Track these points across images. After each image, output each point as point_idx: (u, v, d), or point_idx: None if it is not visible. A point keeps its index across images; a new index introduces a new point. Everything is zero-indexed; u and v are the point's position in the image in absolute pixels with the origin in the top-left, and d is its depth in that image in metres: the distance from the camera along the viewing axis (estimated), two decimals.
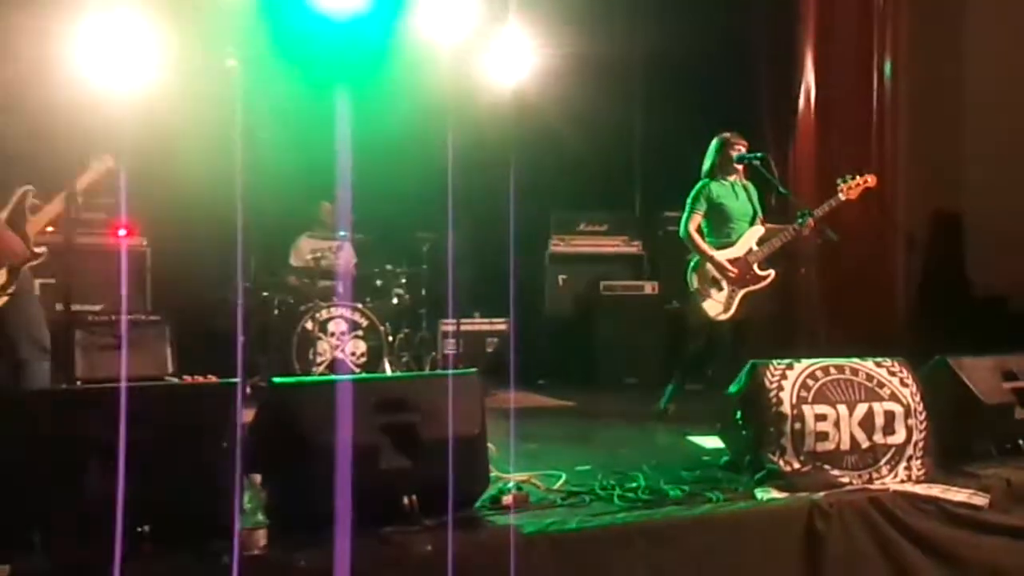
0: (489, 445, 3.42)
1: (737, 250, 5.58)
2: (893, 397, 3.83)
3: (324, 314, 6.46)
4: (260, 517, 3.04)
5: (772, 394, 3.70)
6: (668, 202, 7.39)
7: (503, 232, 5.69)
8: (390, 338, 6.77)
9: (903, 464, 3.77)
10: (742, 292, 5.53)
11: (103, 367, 6.14)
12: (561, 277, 8.08)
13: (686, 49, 7.71)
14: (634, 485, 3.57)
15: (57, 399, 3.12)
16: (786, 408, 3.67)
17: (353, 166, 5.44)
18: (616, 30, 7.97)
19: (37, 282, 4.60)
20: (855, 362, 3.90)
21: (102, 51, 5.71)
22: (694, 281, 5.61)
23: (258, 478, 3.14)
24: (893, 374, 3.90)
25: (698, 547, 3.22)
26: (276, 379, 3.25)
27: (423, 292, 7.27)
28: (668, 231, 7.56)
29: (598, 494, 3.48)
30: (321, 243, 6.94)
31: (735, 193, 5.66)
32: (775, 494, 3.49)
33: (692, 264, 5.66)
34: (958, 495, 3.63)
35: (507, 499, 3.31)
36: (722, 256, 5.55)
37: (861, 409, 3.75)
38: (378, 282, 7.07)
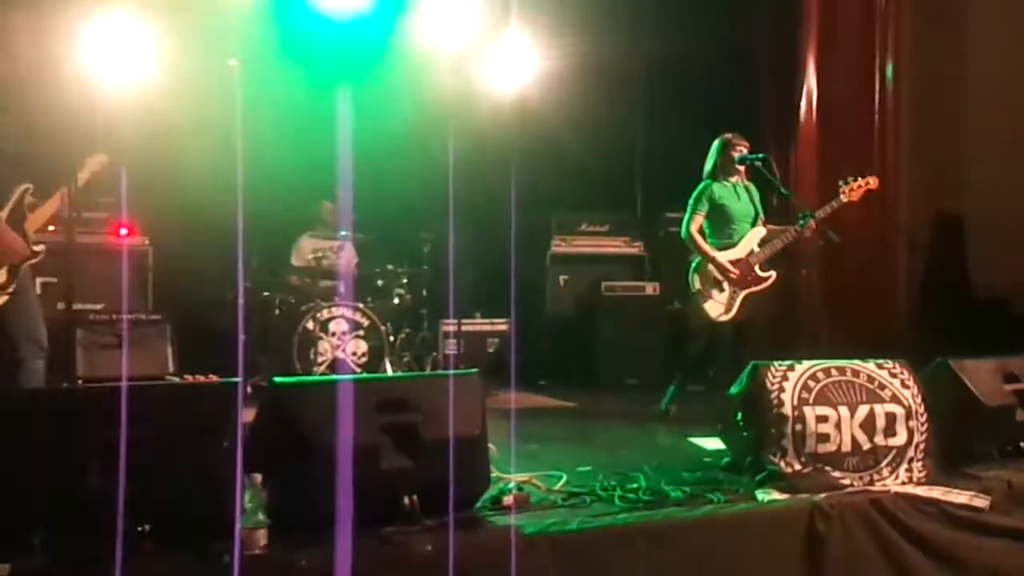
0: (490, 445, 3.42)
1: (739, 251, 5.58)
2: (894, 399, 3.83)
3: (325, 314, 6.46)
4: (261, 517, 3.04)
5: (773, 395, 3.69)
6: (669, 203, 7.39)
7: (504, 233, 5.69)
8: (391, 338, 6.77)
9: (904, 466, 3.76)
10: (743, 293, 5.53)
11: (104, 366, 6.14)
12: (562, 277, 8.08)
13: (689, 58, 7.73)
14: (635, 486, 3.57)
15: (58, 398, 3.12)
16: (787, 409, 3.67)
17: (355, 166, 5.43)
18: (620, 38, 7.98)
19: (38, 281, 4.60)
20: (856, 364, 3.89)
21: (102, 50, 5.72)
22: (695, 282, 5.61)
23: (259, 478, 3.14)
24: (894, 376, 3.90)
25: (699, 548, 3.22)
26: (277, 379, 3.25)
27: (424, 292, 7.27)
28: (669, 232, 7.57)
29: (599, 495, 3.48)
30: (322, 243, 6.94)
31: (737, 194, 5.66)
32: (776, 495, 3.49)
33: (694, 265, 5.65)
34: (959, 497, 3.63)
35: (508, 499, 3.31)
36: (724, 257, 5.55)
37: (862, 411, 3.75)
38: (379, 282, 7.07)
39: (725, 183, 5.66)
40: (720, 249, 5.59)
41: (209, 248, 6.35)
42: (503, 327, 7.71)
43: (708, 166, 5.72)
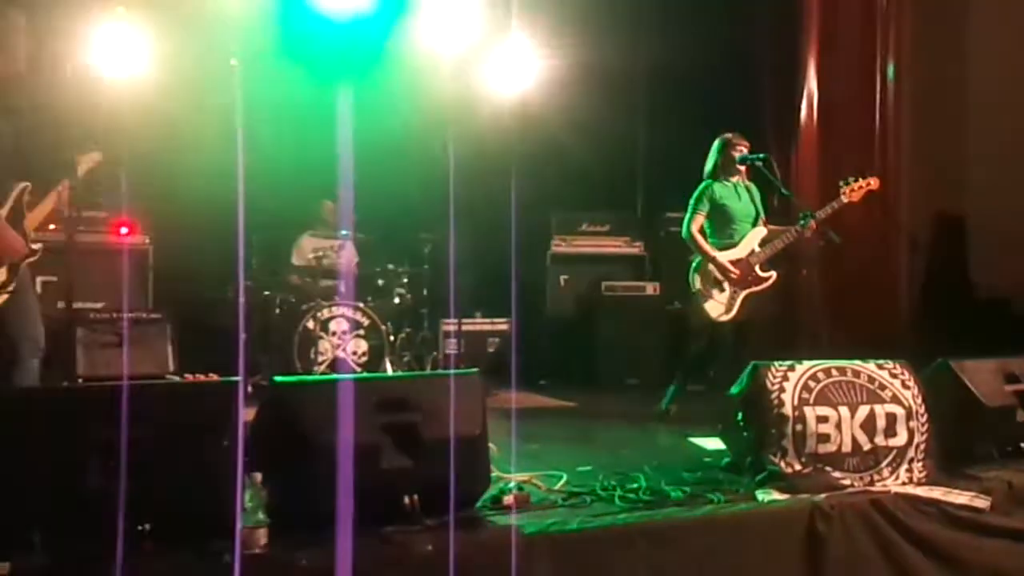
0: (490, 445, 3.42)
1: (739, 251, 5.58)
2: (895, 399, 3.83)
3: (326, 313, 6.46)
4: (261, 516, 3.04)
5: (774, 396, 3.69)
6: (670, 203, 7.39)
7: (505, 233, 5.69)
8: (391, 338, 6.77)
9: (904, 466, 3.76)
10: (744, 293, 5.53)
11: (104, 365, 6.15)
12: (563, 277, 8.08)
13: (690, 60, 7.72)
14: (635, 486, 3.57)
15: (58, 397, 3.12)
16: (788, 410, 3.67)
17: (356, 165, 5.43)
18: (621, 39, 7.98)
19: (39, 280, 4.60)
20: (857, 364, 3.89)
21: (103, 50, 5.72)
22: (696, 282, 5.61)
23: (259, 477, 3.14)
24: (895, 376, 3.90)
25: (699, 548, 3.21)
26: (277, 378, 3.25)
27: (425, 292, 7.27)
28: (670, 232, 7.57)
29: (599, 495, 3.48)
30: (323, 242, 6.94)
31: (738, 194, 5.66)
32: (776, 496, 3.49)
33: (694, 265, 5.65)
34: (959, 497, 3.63)
35: (508, 499, 3.30)
36: (724, 257, 5.55)
37: (863, 411, 3.75)
38: (380, 281, 7.07)
39: (726, 183, 5.65)
40: (721, 249, 5.59)
41: (209, 247, 6.35)
42: (503, 327, 7.71)
43: (708, 166, 5.72)
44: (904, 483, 3.70)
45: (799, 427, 3.66)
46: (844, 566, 3.38)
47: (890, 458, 3.74)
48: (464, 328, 7.17)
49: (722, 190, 5.63)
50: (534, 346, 7.30)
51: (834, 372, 3.82)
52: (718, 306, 5.54)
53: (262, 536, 2.91)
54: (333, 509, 2.72)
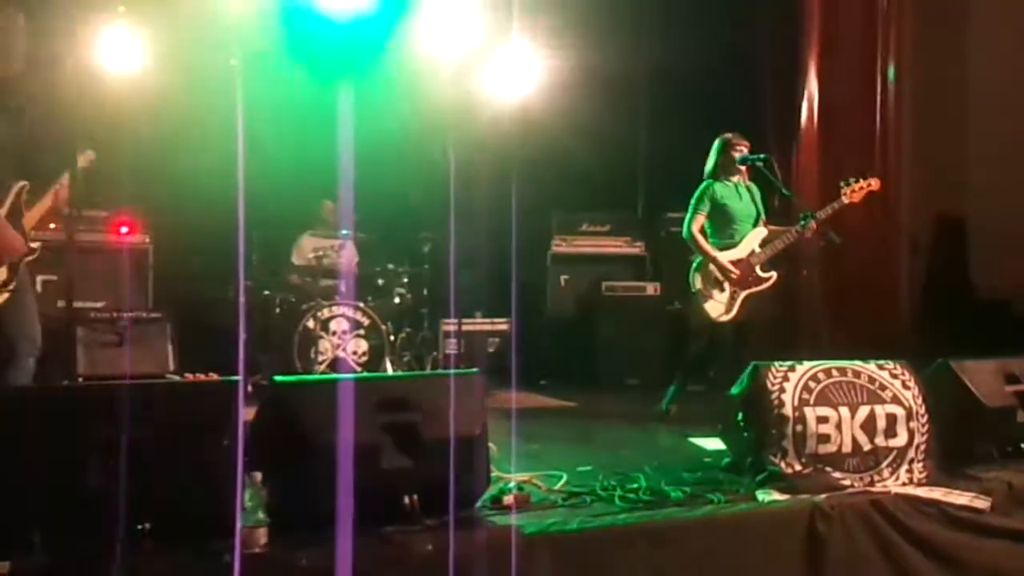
0: (490, 445, 3.42)
1: (740, 251, 5.58)
2: (895, 400, 3.82)
3: (326, 313, 6.46)
4: (261, 515, 3.04)
5: (774, 396, 3.69)
6: (670, 203, 7.39)
7: (505, 233, 5.69)
8: (392, 337, 6.76)
9: (905, 467, 3.76)
10: (744, 293, 5.53)
11: (105, 364, 6.15)
12: (563, 277, 8.08)
13: (691, 63, 7.72)
14: (635, 486, 3.56)
15: (58, 396, 3.12)
16: (788, 410, 3.67)
17: (356, 165, 5.43)
18: (622, 42, 7.98)
19: (39, 279, 4.60)
20: (857, 364, 3.89)
21: (103, 49, 5.72)
22: (696, 282, 5.61)
23: (259, 476, 3.13)
24: (895, 377, 3.90)
25: (699, 548, 3.21)
26: (277, 377, 3.25)
27: (425, 292, 7.27)
28: (670, 232, 7.57)
29: (599, 495, 3.48)
30: (323, 242, 6.94)
31: (738, 194, 5.66)
32: (776, 496, 3.49)
33: (695, 265, 5.65)
34: (959, 498, 3.63)
35: (508, 499, 3.30)
36: (725, 257, 5.55)
37: (863, 411, 3.75)
38: (380, 281, 7.06)
39: (727, 183, 5.65)
40: (721, 249, 5.59)
41: (210, 246, 6.35)
42: (504, 327, 7.71)
43: (709, 166, 5.72)
44: (904, 484, 3.70)
45: (799, 427, 3.66)
46: (844, 567, 3.37)
47: (890, 459, 3.74)
48: (464, 328, 7.17)
49: (723, 190, 5.63)
50: (534, 346, 7.30)
51: (834, 373, 3.82)
52: (718, 306, 5.54)
53: (262, 536, 2.91)
54: (333, 509, 2.72)
